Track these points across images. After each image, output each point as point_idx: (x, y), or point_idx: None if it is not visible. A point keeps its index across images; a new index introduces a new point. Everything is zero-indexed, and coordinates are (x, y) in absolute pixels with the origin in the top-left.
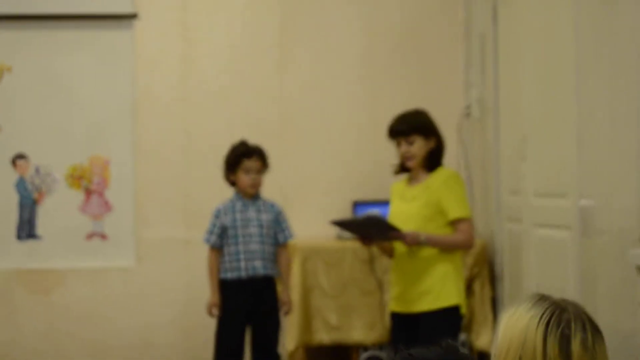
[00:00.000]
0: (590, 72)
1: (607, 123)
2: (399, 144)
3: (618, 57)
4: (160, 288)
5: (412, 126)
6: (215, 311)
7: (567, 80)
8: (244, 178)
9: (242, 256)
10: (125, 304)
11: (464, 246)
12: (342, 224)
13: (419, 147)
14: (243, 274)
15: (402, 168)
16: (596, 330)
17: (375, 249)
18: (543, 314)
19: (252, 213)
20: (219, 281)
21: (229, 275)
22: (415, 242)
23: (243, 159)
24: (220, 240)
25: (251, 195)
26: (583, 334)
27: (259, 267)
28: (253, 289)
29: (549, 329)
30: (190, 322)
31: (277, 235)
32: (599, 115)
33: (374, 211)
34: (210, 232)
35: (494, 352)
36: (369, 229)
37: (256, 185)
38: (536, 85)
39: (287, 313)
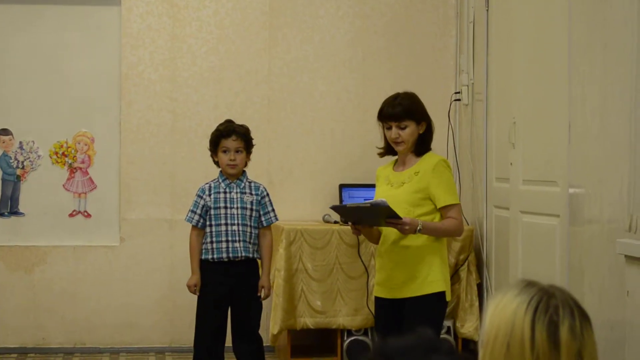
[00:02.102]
0: (583, 59)
1: (598, 111)
2: (389, 127)
3: (611, 45)
4: (144, 268)
5: (406, 111)
6: (197, 290)
7: (559, 68)
8: (222, 157)
9: (223, 237)
10: (108, 284)
11: (456, 233)
12: (341, 210)
13: (410, 132)
14: (224, 255)
15: (387, 151)
16: (584, 317)
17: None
18: (531, 300)
19: (235, 194)
20: (200, 261)
21: (210, 256)
22: (412, 232)
23: (221, 139)
24: (203, 220)
25: (234, 176)
26: (571, 320)
27: (240, 249)
28: (234, 271)
29: (537, 316)
30: (173, 303)
31: (260, 217)
32: (590, 103)
33: (381, 199)
34: (193, 212)
35: (481, 339)
36: (368, 216)
37: (234, 165)
38: (527, 72)
39: (265, 297)
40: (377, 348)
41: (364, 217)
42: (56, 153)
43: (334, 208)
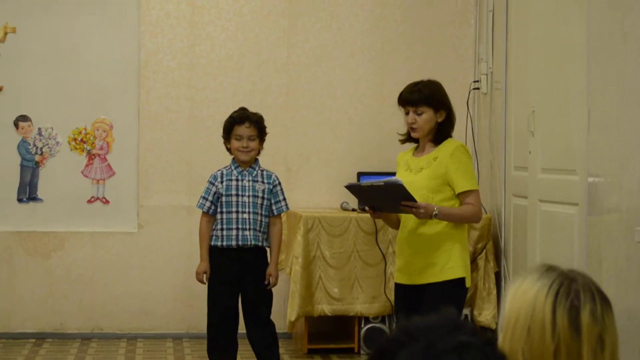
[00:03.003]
0: (602, 47)
1: (617, 100)
2: (407, 113)
3: (630, 33)
4: (162, 255)
5: (423, 97)
6: (204, 278)
7: (578, 56)
8: (234, 144)
9: (234, 225)
10: (125, 270)
11: (474, 219)
12: (356, 189)
13: (426, 119)
14: (233, 242)
15: (409, 138)
16: (605, 301)
17: (379, 220)
18: (552, 284)
19: (247, 182)
20: (209, 248)
21: (220, 242)
22: (428, 216)
23: (234, 125)
24: (214, 207)
25: (246, 163)
26: (592, 304)
27: (249, 237)
28: (242, 259)
29: (558, 300)
30: (191, 290)
31: (271, 206)
32: (609, 92)
33: (395, 178)
34: (205, 198)
35: (501, 323)
36: (383, 197)
37: (246, 152)
38: (546, 60)
39: (272, 286)
40: (400, 327)
41: (380, 200)
42: (75, 139)
43: (349, 187)
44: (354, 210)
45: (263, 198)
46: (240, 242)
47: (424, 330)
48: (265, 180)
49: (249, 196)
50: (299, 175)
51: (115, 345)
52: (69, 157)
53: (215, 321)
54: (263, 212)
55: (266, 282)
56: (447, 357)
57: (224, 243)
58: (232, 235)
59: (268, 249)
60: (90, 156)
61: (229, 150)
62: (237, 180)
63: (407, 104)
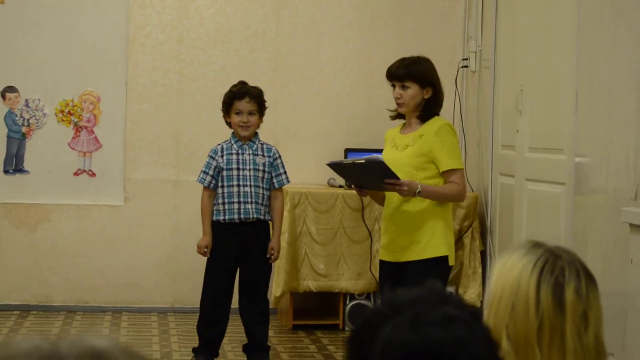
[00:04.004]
0: (591, 27)
1: (605, 80)
2: (394, 87)
3: (620, 13)
4: (148, 228)
5: (409, 72)
6: (207, 252)
7: (567, 36)
8: (234, 119)
9: (235, 199)
10: (111, 243)
11: (457, 198)
12: (338, 167)
13: (411, 94)
14: (235, 216)
15: (399, 114)
16: (590, 279)
17: (366, 197)
18: (537, 261)
19: (247, 156)
20: (211, 222)
21: (222, 217)
22: (411, 194)
23: (234, 100)
24: (215, 181)
25: (246, 138)
26: (577, 282)
27: (251, 210)
28: (245, 232)
29: (543, 276)
30: (177, 264)
31: (272, 179)
32: (598, 72)
33: (376, 155)
34: (205, 173)
35: (487, 299)
36: (366, 175)
37: (246, 126)
38: (536, 39)
39: (274, 259)
40: (385, 300)
41: (363, 177)
42: (62, 111)
43: (331, 165)
44: (340, 186)
45: (264, 171)
46: (242, 216)
47: (409, 303)
48: (266, 154)
49: (250, 169)
50: (286, 151)
51: (100, 318)
52: (56, 129)
53: (210, 296)
54: (264, 185)
55: (268, 256)
56: (432, 329)
57: (226, 217)
58: (234, 209)
59: (270, 222)
60: (77, 128)
61: (228, 124)
62: (237, 154)
63: (393, 78)
